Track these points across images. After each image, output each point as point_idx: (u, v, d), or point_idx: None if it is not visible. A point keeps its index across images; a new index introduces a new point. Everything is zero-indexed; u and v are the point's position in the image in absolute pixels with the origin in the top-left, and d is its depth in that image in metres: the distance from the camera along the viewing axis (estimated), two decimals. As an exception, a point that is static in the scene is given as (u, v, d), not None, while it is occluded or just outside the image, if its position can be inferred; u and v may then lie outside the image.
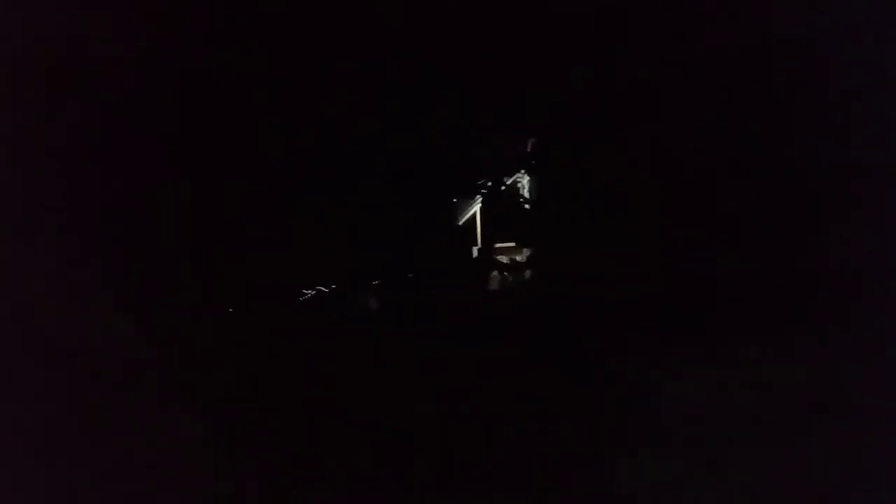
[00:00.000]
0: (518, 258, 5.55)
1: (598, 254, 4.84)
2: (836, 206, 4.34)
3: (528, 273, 5.42)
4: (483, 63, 4.72)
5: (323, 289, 5.03)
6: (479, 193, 5.64)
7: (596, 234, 4.93)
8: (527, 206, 5.50)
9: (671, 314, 4.40)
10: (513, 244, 5.61)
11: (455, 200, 5.70)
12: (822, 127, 4.40)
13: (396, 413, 3.88)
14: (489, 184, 5.56)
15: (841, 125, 4.36)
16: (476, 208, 5.76)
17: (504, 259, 5.59)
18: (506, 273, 5.49)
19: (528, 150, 5.43)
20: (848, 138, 4.35)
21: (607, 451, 3.52)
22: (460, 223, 5.77)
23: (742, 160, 4.49)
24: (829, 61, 4.32)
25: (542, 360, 4.31)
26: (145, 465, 3.25)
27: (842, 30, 4.22)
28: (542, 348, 4.42)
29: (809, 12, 4.28)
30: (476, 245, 5.73)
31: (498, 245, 5.66)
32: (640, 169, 4.70)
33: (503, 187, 5.56)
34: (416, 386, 4.13)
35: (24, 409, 3.36)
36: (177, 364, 3.74)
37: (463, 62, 4.73)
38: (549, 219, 5.32)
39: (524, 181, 5.58)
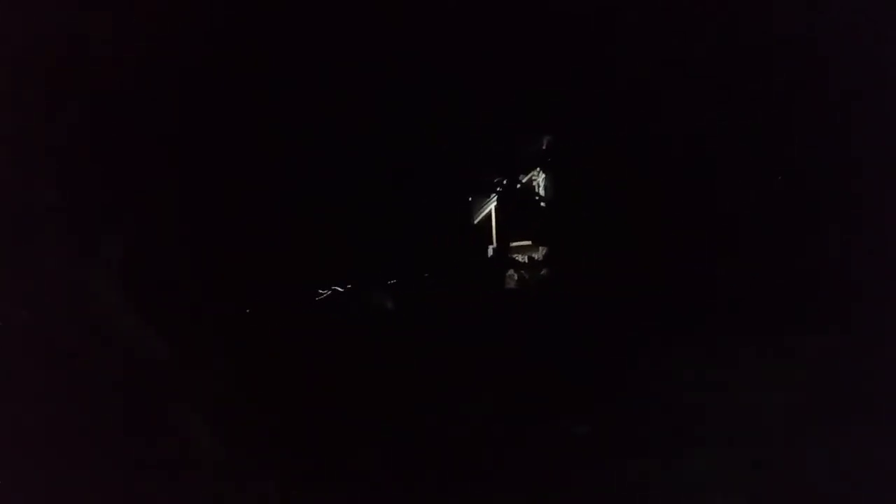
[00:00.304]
0: (534, 256, 5.52)
1: (615, 251, 4.83)
2: (836, 206, 4.35)
3: (544, 271, 5.40)
4: (498, 62, 4.71)
5: (339, 289, 5.01)
6: (494, 192, 5.61)
7: (611, 231, 4.91)
8: (542, 203, 5.48)
9: (690, 311, 4.39)
10: (529, 242, 5.58)
11: (470, 199, 5.67)
12: (822, 127, 4.41)
13: (415, 414, 3.89)
14: (504, 182, 5.53)
15: (841, 125, 4.37)
16: (491, 207, 5.73)
17: (520, 257, 5.56)
18: (522, 272, 5.46)
19: (543, 147, 5.40)
20: (848, 138, 4.35)
21: (632, 450, 3.53)
22: (476, 222, 5.74)
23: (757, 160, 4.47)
24: (829, 61, 4.32)
25: (560, 359, 4.30)
26: (156, 468, 3.26)
27: (842, 30, 4.22)
28: (559, 347, 4.41)
29: (809, 12, 4.29)
30: (492, 244, 5.70)
31: (514, 244, 5.62)
32: (653, 167, 4.69)
33: (518, 185, 5.54)
34: (433, 386, 4.13)
35: (25, 409, 3.36)
36: (188, 366, 3.74)
37: (477, 61, 4.71)
38: (564, 217, 5.30)
39: (539, 179, 5.55)
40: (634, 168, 4.75)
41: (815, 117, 4.42)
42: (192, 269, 4.26)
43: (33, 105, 3.82)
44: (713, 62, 4.47)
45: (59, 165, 3.90)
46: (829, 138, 4.39)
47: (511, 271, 5.49)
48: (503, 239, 5.65)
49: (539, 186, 5.55)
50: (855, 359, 3.89)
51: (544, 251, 5.46)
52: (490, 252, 5.66)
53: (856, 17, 4.18)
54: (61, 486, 3.16)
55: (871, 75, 4.24)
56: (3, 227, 3.70)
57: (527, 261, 5.53)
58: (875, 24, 4.14)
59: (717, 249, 4.52)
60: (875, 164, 4.24)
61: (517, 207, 5.57)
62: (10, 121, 3.74)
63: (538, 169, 5.50)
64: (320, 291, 4.96)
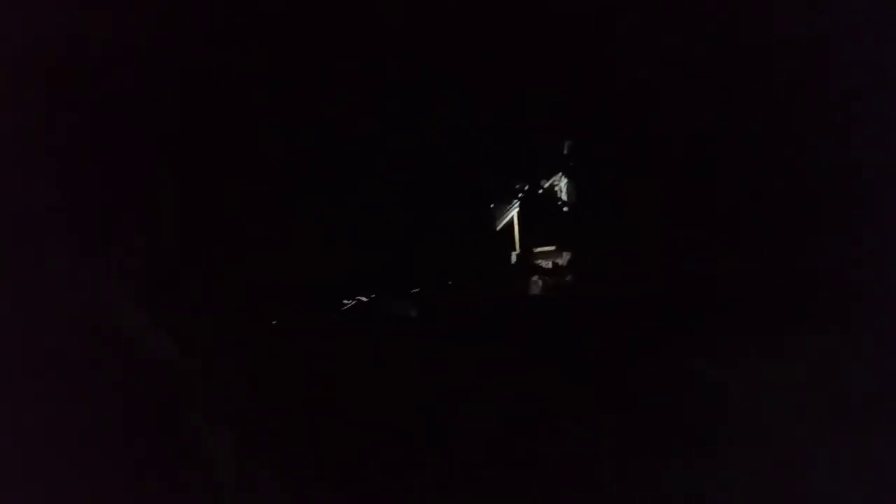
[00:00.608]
0: (559, 262, 5.44)
1: (641, 254, 4.77)
2: (836, 206, 4.35)
3: (570, 276, 5.31)
4: (518, 64, 4.67)
5: (362, 298, 4.98)
6: (516, 198, 5.54)
7: (637, 234, 4.84)
8: (565, 208, 5.39)
9: (720, 314, 4.35)
10: (553, 248, 5.49)
11: (492, 206, 5.61)
12: (822, 127, 4.41)
13: (440, 421, 3.89)
14: (526, 187, 5.47)
15: (841, 125, 4.37)
16: (514, 213, 5.66)
17: (545, 263, 5.48)
18: (547, 277, 5.39)
19: (565, 151, 5.33)
20: (848, 138, 4.36)
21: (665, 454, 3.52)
22: (499, 228, 5.67)
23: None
24: (829, 61, 4.33)
25: (589, 365, 4.28)
26: (163, 473, 3.26)
27: (842, 30, 4.23)
28: (586, 353, 4.38)
29: (809, 12, 4.29)
30: (515, 250, 5.62)
31: (538, 249, 5.55)
32: (676, 168, 4.66)
33: (541, 191, 5.46)
34: (458, 394, 4.11)
35: (24, 412, 3.35)
36: (191, 369, 3.73)
37: (496, 64, 4.67)
38: (589, 221, 5.23)
39: (562, 184, 5.48)
40: (657, 170, 4.71)
41: (815, 117, 4.42)
42: (197, 270, 4.25)
43: (33, 105, 3.81)
44: (720, 62, 4.46)
45: (60, 165, 3.88)
46: (829, 138, 4.39)
47: (536, 277, 5.43)
48: (527, 245, 5.58)
49: (562, 191, 5.47)
50: (855, 359, 3.90)
51: (569, 256, 5.38)
52: (514, 258, 5.59)
53: (856, 17, 4.18)
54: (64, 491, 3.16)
55: (871, 75, 4.24)
56: (3, 227, 3.69)
57: (552, 266, 5.45)
58: (875, 24, 4.15)
59: (748, 251, 4.49)
60: (875, 164, 4.25)
61: (540, 213, 5.49)
62: (11, 121, 3.73)
63: (560, 173, 5.42)
64: (345, 301, 4.92)
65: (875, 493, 3.18)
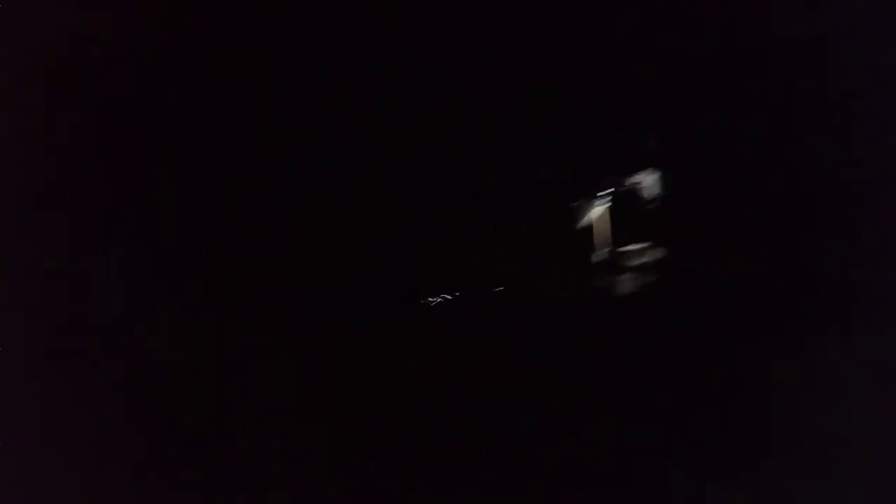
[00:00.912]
0: (650, 259, 5.26)
1: (735, 252, 4.64)
2: (836, 206, 4.35)
3: (660, 275, 5.13)
4: (605, 59, 4.60)
5: (447, 296, 4.89)
6: (604, 194, 5.38)
7: (732, 231, 4.71)
8: (656, 204, 5.21)
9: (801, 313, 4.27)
10: (643, 245, 5.31)
11: (579, 202, 5.48)
12: (822, 127, 4.41)
13: (517, 427, 3.86)
14: (615, 183, 5.31)
15: (841, 125, 4.37)
16: (602, 209, 5.50)
17: (634, 261, 5.31)
18: (637, 275, 5.21)
19: (653, 145, 5.17)
20: (848, 138, 4.36)
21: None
22: (586, 225, 5.52)
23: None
24: (829, 61, 4.34)
25: (680, 365, 4.23)
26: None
27: (842, 30, 4.23)
28: (677, 353, 4.32)
29: (809, 12, 4.30)
30: (603, 247, 5.45)
31: (627, 248, 5.37)
32: (769, 161, 4.58)
33: (629, 186, 5.29)
34: (543, 397, 4.06)
35: (25, 413, 3.35)
36: (187, 367, 3.73)
37: (583, 56, 4.57)
38: (680, 217, 5.05)
39: (651, 179, 5.28)
40: (747, 166, 4.60)
41: (815, 117, 4.42)
42: (198, 270, 4.24)
43: (33, 105, 3.82)
44: (720, 62, 4.46)
45: (60, 165, 3.89)
46: (829, 138, 4.40)
47: (626, 275, 5.26)
48: (616, 242, 5.39)
49: (652, 187, 5.27)
50: (855, 359, 3.89)
51: (660, 253, 5.19)
52: (602, 256, 5.42)
53: (856, 17, 4.19)
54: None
55: (871, 75, 4.25)
56: (3, 227, 3.69)
57: (642, 264, 5.28)
58: (875, 24, 4.16)
59: (749, 251, 4.43)
60: (875, 164, 4.25)
61: (631, 209, 5.32)
62: (11, 121, 3.74)
63: (650, 168, 5.24)
64: (430, 300, 4.82)
65: (875, 492, 3.19)
